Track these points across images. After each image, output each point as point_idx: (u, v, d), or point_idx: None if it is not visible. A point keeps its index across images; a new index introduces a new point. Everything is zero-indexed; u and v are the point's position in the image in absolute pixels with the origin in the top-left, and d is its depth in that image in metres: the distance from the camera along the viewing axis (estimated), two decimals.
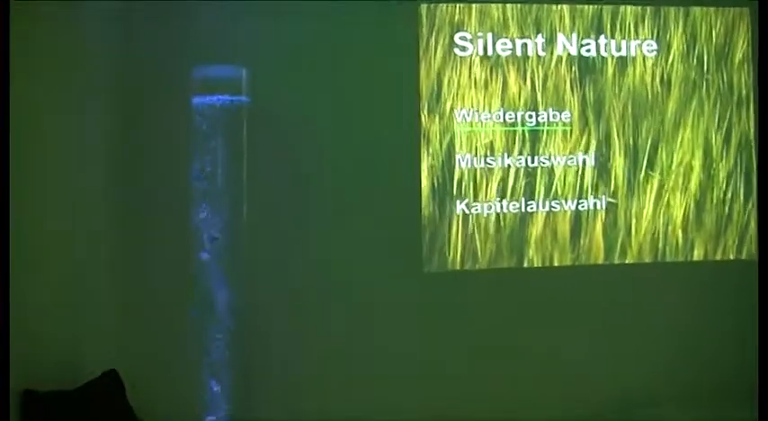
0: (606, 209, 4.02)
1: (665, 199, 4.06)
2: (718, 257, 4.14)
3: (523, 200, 3.96)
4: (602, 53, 4.06)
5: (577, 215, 4.00)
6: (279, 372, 3.74)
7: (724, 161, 4.13)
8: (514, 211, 3.95)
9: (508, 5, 4.01)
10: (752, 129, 4.15)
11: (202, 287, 3.29)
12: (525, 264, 3.97)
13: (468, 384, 3.89)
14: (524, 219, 3.97)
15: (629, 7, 4.10)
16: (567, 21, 4.05)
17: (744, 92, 4.17)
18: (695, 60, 4.13)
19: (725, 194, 4.13)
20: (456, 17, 3.97)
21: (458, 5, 3.97)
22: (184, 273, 3.43)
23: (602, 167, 4.02)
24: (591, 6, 4.08)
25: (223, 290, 3.28)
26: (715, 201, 4.12)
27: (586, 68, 4.04)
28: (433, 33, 3.95)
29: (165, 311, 3.68)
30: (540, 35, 4.02)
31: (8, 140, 2.65)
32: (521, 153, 3.97)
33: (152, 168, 3.72)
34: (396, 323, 3.85)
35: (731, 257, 4.15)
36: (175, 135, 3.53)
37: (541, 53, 4.00)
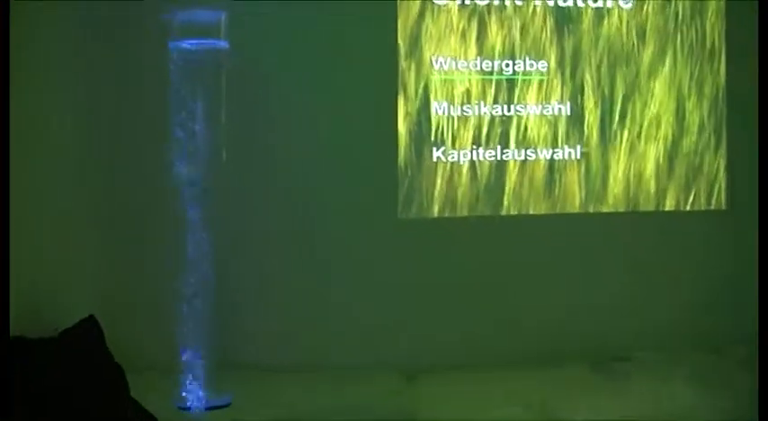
0: (580, 158, 4.06)
1: (639, 149, 4.11)
2: (689, 207, 4.20)
3: (499, 148, 3.99)
4: (579, 4, 4.07)
5: (552, 164, 4.04)
6: (254, 316, 3.80)
7: (696, 113, 4.18)
8: (490, 159, 3.99)
9: None
10: (723, 81, 4.19)
11: (179, 232, 3.30)
12: (501, 212, 4.02)
13: (443, 329, 3.96)
14: (500, 167, 4.00)
15: None
16: None
17: (716, 44, 4.20)
18: (670, 12, 4.16)
19: (696, 146, 4.18)
20: None
21: None
22: (161, 218, 3.44)
23: (577, 117, 4.05)
24: None
25: (200, 234, 3.29)
26: (687, 151, 4.17)
27: (563, 19, 4.06)
28: None
29: (142, 258, 3.72)
30: None
31: (8, 139, 2.66)
32: (497, 102, 3.99)
33: (129, 114, 3.72)
34: (372, 268, 3.91)
35: (701, 207, 4.21)
36: (152, 79, 3.52)
37: (519, 2, 4.01)
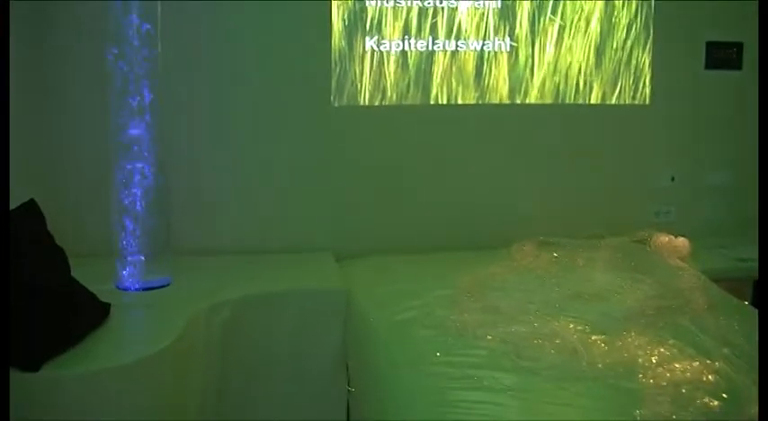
0: (509, 51, 4.14)
1: (567, 43, 4.20)
2: (614, 101, 4.34)
3: (430, 38, 4.05)
4: None
5: (481, 55, 4.12)
6: (193, 204, 3.90)
7: (625, 10, 4.26)
8: (421, 49, 4.05)
9: None
10: None
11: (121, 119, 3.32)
12: (431, 101, 4.12)
13: (375, 215, 4.13)
14: (430, 57, 4.07)
15: None
16: None
17: None
18: None
19: (624, 42, 4.28)
20: None
21: None
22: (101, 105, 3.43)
23: (508, 10, 4.10)
24: None
25: (141, 130, 3.31)
26: (615, 47, 4.27)
27: None
28: None
29: (85, 151, 3.76)
30: None
31: (8, 139, 2.66)
32: None
33: (63, 44, 3.69)
34: (306, 154, 4.02)
35: (627, 102, 4.35)
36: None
37: None
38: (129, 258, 3.36)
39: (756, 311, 3.32)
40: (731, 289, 3.59)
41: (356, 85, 4.02)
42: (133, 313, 3.15)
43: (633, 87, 4.33)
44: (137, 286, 3.36)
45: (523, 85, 4.18)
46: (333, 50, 3.96)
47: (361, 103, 4.04)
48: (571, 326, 2.92)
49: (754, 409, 2.28)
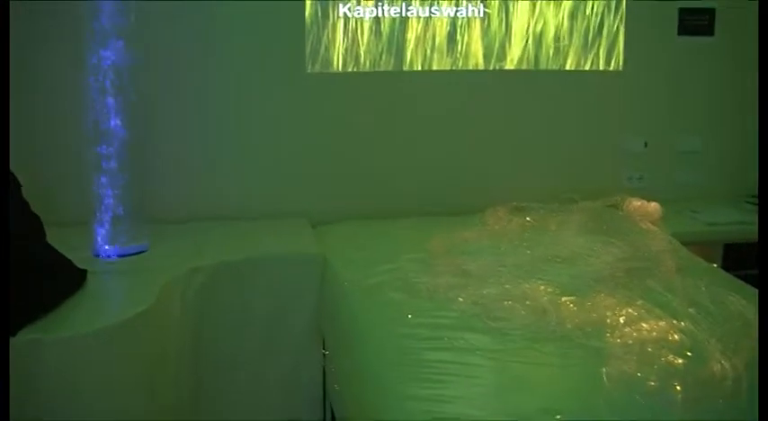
0: (483, 17, 4.15)
1: (540, 9, 4.21)
2: (588, 67, 4.37)
3: (403, 5, 4.05)
4: None
5: (455, 21, 4.12)
6: (168, 172, 3.91)
7: None
8: (395, 16, 4.05)
9: None
10: None
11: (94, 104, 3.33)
12: (405, 68, 4.12)
13: (348, 180, 4.16)
14: (404, 23, 4.07)
15: None
16: None
17: None
18: None
19: (597, 7, 4.29)
20: None
21: None
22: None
23: None
24: None
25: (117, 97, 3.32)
26: (588, 13, 4.29)
27: None
28: None
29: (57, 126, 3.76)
30: None
31: (8, 139, 2.65)
32: None
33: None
34: (281, 121, 4.04)
35: (600, 68, 4.38)
36: None
37: None
38: (105, 225, 3.37)
39: (725, 273, 3.40)
40: (701, 252, 3.66)
41: (330, 52, 4.02)
42: (109, 279, 3.18)
43: (606, 54, 4.35)
44: (113, 253, 3.37)
45: (497, 51, 4.20)
46: (306, 17, 3.96)
47: (335, 69, 4.04)
48: (542, 287, 2.98)
49: (716, 367, 2.35)
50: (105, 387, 2.72)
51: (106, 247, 3.37)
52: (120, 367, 2.77)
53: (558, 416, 2.15)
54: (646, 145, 4.50)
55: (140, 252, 3.42)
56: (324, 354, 3.45)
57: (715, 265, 3.58)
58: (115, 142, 3.33)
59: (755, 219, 4.21)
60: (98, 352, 2.69)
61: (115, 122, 3.31)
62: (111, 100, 3.29)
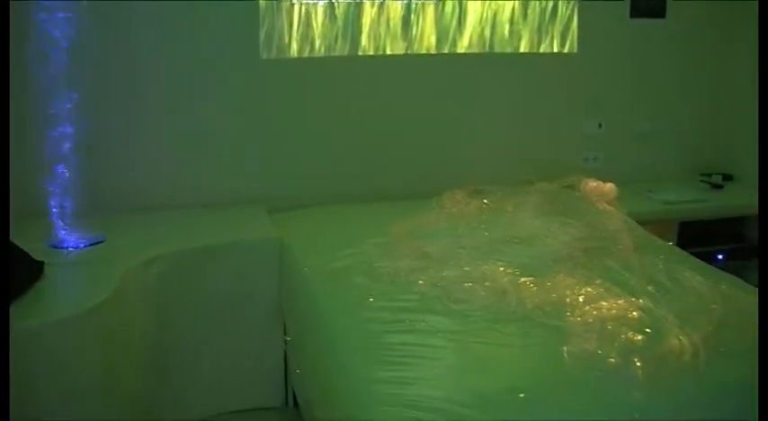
0: (436, 2, 4.14)
1: None
2: (543, 50, 4.39)
3: None
4: None
5: (409, 6, 4.12)
6: (128, 162, 3.87)
7: None
8: (349, 1, 4.02)
9: None
10: None
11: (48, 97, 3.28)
12: (359, 52, 4.12)
13: (305, 166, 4.15)
14: (358, 8, 4.06)
15: None
16: None
17: None
18: None
19: None
20: None
21: None
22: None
23: None
24: None
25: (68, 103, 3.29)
26: None
27: None
28: None
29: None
30: None
31: (8, 136, 2.59)
32: None
33: None
34: (236, 108, 4.01)
35: (555, 50, 4.41)
36: None
37: None
38: (60, 216, 3.34)
39: (680, 251, 3.45)
40: (657, 231, 3.71)
41: (284, 38, 4.00)
42: (67, 270, 3.15)
43: (561, 36, 4.38)
44: (70, 244, 3.34)
45: (451, 35, 4.21)
46: (260, 3, 3.93)
47: (290, 55, 4.02)
48: (501, 269, 3.00)
49: (675, 342, 2.39)
50: (64, 376, 2.69)
51: (62, 237, 3.33)
52: (81, 357, 2.74)
53: (522, 395, 2.17)
54: (600, 126, 4.55)
55: (97, 242, 3.39)
56: (285, 341, 3.45)
57: (671, 243, 3.62)
58: (69, 133, 3.29)
59: (709, 196, 4.31)
60: (58, 342, 2.66)
61: (68, 112, 3.27)
62: (64, 89, 3.25)
